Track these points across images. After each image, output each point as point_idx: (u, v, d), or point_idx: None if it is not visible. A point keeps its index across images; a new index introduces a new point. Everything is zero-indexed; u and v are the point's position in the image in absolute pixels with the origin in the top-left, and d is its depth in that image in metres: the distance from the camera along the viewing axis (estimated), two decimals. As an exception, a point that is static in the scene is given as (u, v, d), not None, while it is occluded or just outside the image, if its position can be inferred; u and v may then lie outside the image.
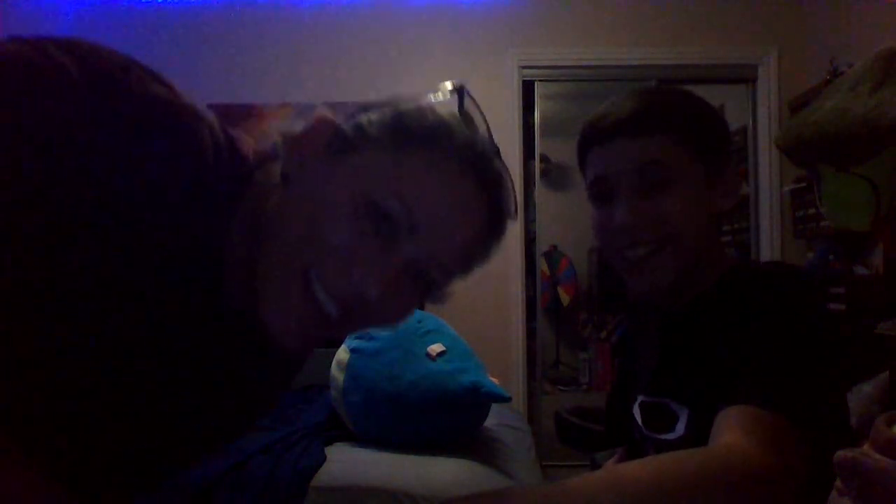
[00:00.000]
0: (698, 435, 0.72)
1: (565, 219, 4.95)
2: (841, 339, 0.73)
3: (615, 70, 3.52)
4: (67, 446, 0.56)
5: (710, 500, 0.52)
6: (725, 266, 0.83)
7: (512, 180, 0.65)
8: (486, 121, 0.65)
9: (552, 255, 5.05)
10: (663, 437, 0.80)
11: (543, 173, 4.40)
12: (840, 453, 0.52)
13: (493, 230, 0.64)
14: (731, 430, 0.60)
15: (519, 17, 3.46)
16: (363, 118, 0.61)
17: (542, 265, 4.64)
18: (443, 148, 0.59)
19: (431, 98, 0.65)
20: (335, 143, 0.60)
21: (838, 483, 0.54)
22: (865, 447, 0.53)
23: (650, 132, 0.77)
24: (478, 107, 0.66)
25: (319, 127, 0.61)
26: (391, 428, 1.79)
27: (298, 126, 0.62)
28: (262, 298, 0.57)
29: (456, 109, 0.65)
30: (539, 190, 3.93)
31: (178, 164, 0.55)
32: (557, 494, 0.49)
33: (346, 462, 1.70)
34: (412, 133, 0.59)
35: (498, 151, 0.64)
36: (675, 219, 0.77)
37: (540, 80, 3.56)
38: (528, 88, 3.52)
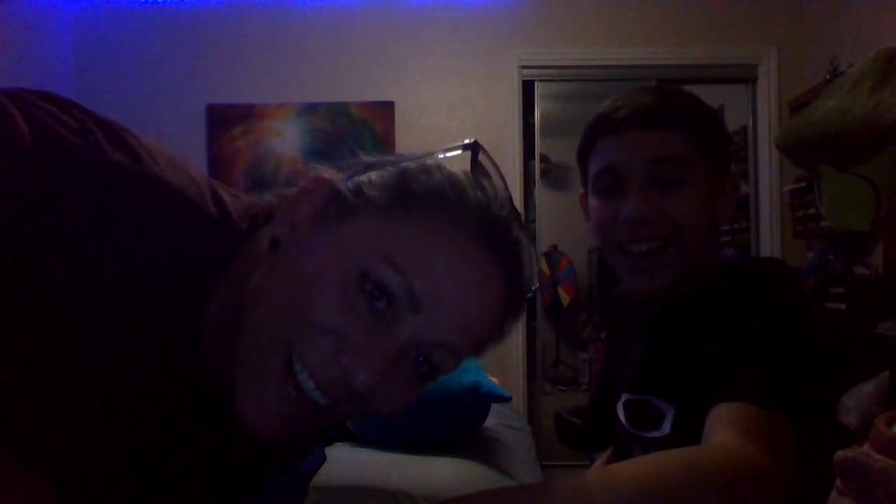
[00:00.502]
0: (685, 433, 0.72)
1: (565, 219, 4.94)
2: (818, 334, 0.73)
3: (615, 70, 3.52)
4: (52, 462, 0.52)
5: (704, 498, 0.51)
6: (715, 266, 0.83)
7: (534, 248, 0.57)
8: (503, 179, 0.58)
9: (552, 255, 5.05)
10: (650, 435, 0.80)
11: (543, 173, 4.40)
12: (840, 453, 0.52)
13: (509, 307, 0.56)
14: (726, 428, 0.59)
15: (519, 17, 3.46)
16: (364, 178, 0.54)
17: (542, 265, 4.64)
18: (450, 211, 0.51)
19: (441, 155, 0.57)
20: (332, 206, 0.53)
21: (838, 483, 0.54)
22: (865, 447, 0.53)
23: (668, 127, 0.77)
24: (494, 163, 0.58)
25: (317, 187, 0.55)
26: (391, 428, 1.79)
27: (295, 188, 0.56)
28: (238, 384, 0.50)
29: (468, 167, 0.56)
30: (539, 190, 3.93)
31: (136, 236, 0.49)
32: (552, 494, 0.47)
33: (346, 462, 1.70)
34: (415, 194, 0.52)
35: (518, 215, 0.56)
36: (685, 218, 0.77)
37: (540, 80, 3.57)
38: (528, 88, 3.52)
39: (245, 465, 0.66)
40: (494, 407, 1.96)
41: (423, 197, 0.52)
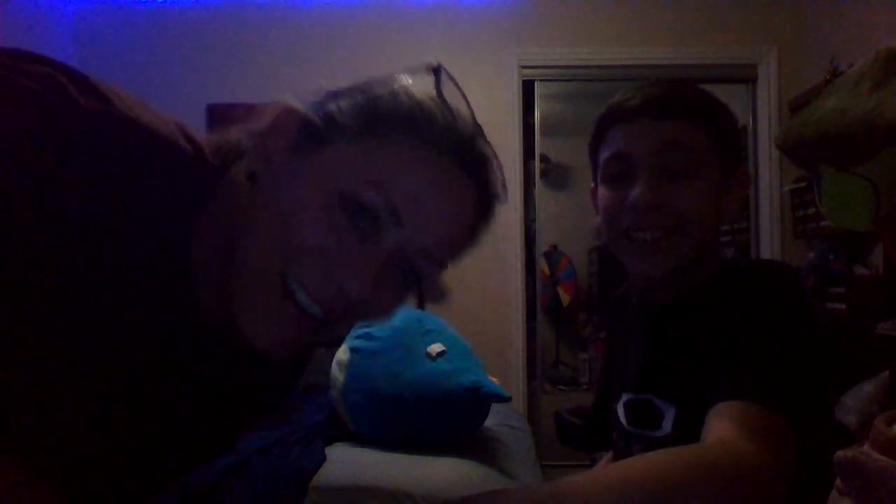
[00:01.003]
0: (685, 433, 0.72)
1: (565, 219, 4.95)
2: (819, 334, 0.73)
3: (615, 70, 3.52)
4: (52, 461, 0.54)
5: (704, 496, 0.52)
6: (715, 264, 0.83)
7: (499, 161, 0.62)
8: (466, 100, 0.62)
9: (552, 255, 5.05)
10: (651, 434, 0.80)
11: (543, 173, 4.40)
12: (840, 453, 0.52)
13: (481, 214, 0.63)
14: (725, 426, 0.60)
15: (519, 17, 3.46)
16: (332, 106, 0.57)
17: (542, 265, 4.64)
18: (421, 132, 0.56)
19: (406, 80, 0.62)
20: (303, 135, 0.56)
21: (838, 483, 0.54)
22: (865, 447, 0.53)
23: (679, 117, 0.78)
24: (457, 86, 0.63)
25: (285, 119, 0.58)
26: (391, 428, 1.79)
27: (264, 120, 0.59)
28: (238, 309, 0.54)
29: (433, 90, 0.62)
30: (539, 190, 3.93)
31: (114, 179, 0.51)
32: (553, 495, 0.48)
33: (346, 462, 1.70)
34: (387, 119, 0.56)
35: (481, 131, 0.61)
36: (691, 208, 0.77)
37: (540, 80, 3.57)
38: (528, 88, 3.52)
39: (254, 388, 0.70)
40: (494, 407, 1.96)
41: (394, 120, 0.56)
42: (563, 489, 0.49)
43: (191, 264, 0.56)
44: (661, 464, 0.53)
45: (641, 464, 0.54)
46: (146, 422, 0.59)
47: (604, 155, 0.83)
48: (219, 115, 3.42)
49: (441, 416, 1.75)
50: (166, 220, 0.54)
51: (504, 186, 0.63)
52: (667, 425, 0.78)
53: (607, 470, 0.53)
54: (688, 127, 0.78)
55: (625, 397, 0.86)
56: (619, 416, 0.87)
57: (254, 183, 0.57)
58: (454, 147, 0.57)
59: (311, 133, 0.56)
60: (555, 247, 5.07)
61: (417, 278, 0.60)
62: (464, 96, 0.63)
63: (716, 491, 0.52)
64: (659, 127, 0.77)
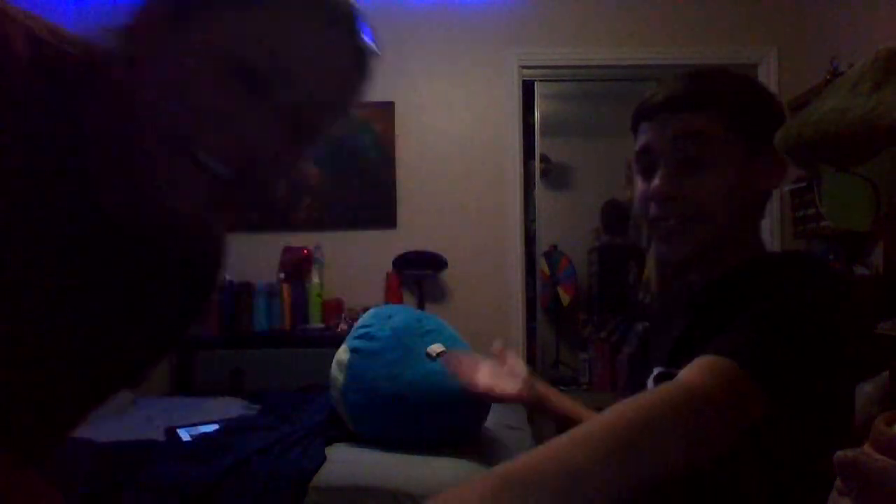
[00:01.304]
0: None
1: (565, 219, 4.94)
2: (840, 328, 0.74)
3: (615, 70, 3.52)
4: None
5: (657, 426, 0.58)
6: (754, 251, 0.86)
7: (366, 17, 0.67)
8: None
9: (552, 255, 5.04)
10: None
11: (543, 173, 4.40)
12: (840, 453, 0.52)
13: (360, 67, 0.67)
14: (693, 371, 0.66)
15: (519, 17, 3.46)
16: None
17: (542, 265, 4.63)
18: None
19: None
20: (180, 8, 0.58)
21: (838, 483, 0.54)
22: (865, 447, 0.53)
23: (691, 108, 0.82)
24: None
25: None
26: (391, 428, 1.79)
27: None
28: (151, 186, 0.57)
29: None
30: (539, 190, 3.93)
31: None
32: (527, 466, 0.52)
33: (346, 462, 1.70)
34: None
35: None
36: (706, 199, 0.81)
37: (540, 80, 3.57)
38: (528, 88, 3.52)
39: (177, 287, 0.73)
40: (494, 407, 1.96)
41: None
42: (537, 459, 0.53)
43: (89, 164, 0.59)
44: (620, 405, 0.60)
45: (608, 414, 0.60)
46: (71, 336, 0.61)
47: (635, 149, 0.89)
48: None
49: (441, 416, 1.75)
50: (55, 127, 0.57)
51: (377, 40, 0.69)
52: None
53: (573, 430, 0.58)
54: (701, 115, 0.81)
55: (656, 370, 0.90)
56: (648, 389, 0.91)
57: (135, 66, 0.59)
58: (328, 7, 0.61)
59: (186, 5, 0.58)
60: (555, 247, 5.06)
61: (315, 131, 0.65)
62: None
63: (668, 420, 0.58)
64: (676, 119, 0.82)
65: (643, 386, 0.94)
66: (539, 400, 1.04)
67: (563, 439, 0.55)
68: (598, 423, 0.57)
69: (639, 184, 0.88)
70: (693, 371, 0.66)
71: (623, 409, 0.59)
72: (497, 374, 1.07)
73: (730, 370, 0.65)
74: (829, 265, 0.86)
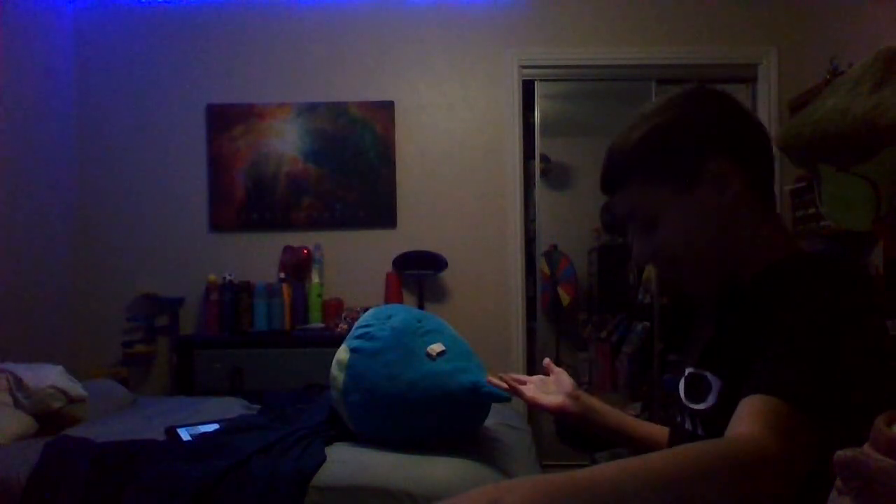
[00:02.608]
0: (726, 405, 0.76)
1: (565, 219, 4.94)
2: (873, 334, 0.72)
3: (615, 70, 3.52)
4: None
5: (715, 482, 0.57)
6: (785, 250, 0.85)
7: None
8: None
9: (552, 255, 5.04)
10: (696, 406, 0.85)
11: (543, 173, 4.40)
12: (840, 453, 0.52)
13: None
14: (750, 419, 0.64)
15: (519, 17, 3.46)
16: None
17: (542, 265, 4.63)
18: None
19: None
20: None
21: (838, 483, 0.54)
22: (865, 447, 0.53)
23: (617, 190, 0.89)
24: None
25: None
26: (391, 428, 1.79)
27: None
28: None
29: None
30: (539, 190, 3.93)
31: None
32: (586, 478, 0.56)
33: (346, 462, 1.70)
34: None
35: None
36: (668, 246, 0.86)
37: (540, 80, 3.57)
38: (528, 88, 3.52)
39: None
40: (494, 407, 1.96)
41: None
42: (595, 474, 0.56)
43: None
44: (679, 454, 0.59)
45: (668, 454, 0.60)
46: None
47: None
48: (218, 115, 3.42)
49: (441, 416, 1.75)
50: None
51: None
52: (711, 398, 0.82)
53: (632, 460, 0.59)
54: (628, 194, 0.87)
55: (687, 371, 0.91)
56: (679, 390, 0.92)
57: None
58: None
59: None
60: (555, 247, 5.06)
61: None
62: None
63: (724, 477, 0.57)
64: (614, 202, 0.90)
65: (676, 385, 0.95)
66: (585, 412, 1.07)
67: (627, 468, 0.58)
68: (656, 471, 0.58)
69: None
70: (747, 421, 0.64)
71: (681, 461, 0.59)
72: (543, 386, 1.13)
73: (786, 414, 0.64)
74: (852, 264, 0.85)
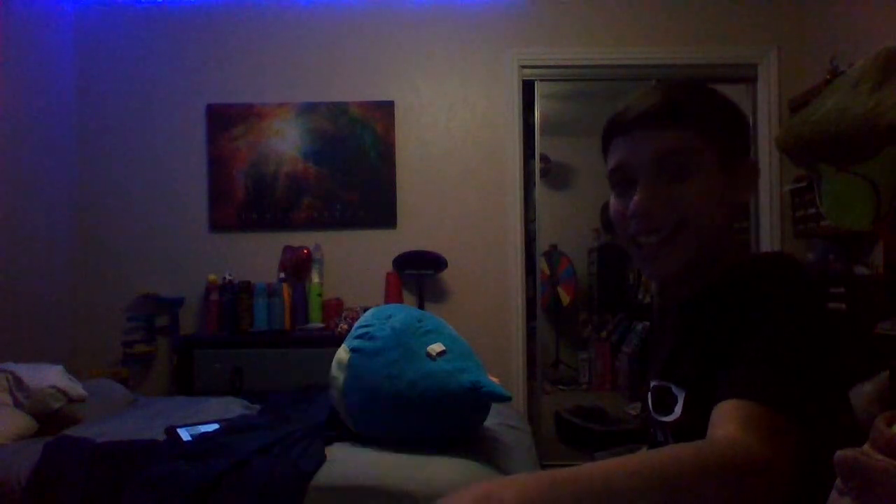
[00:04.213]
0: (692, 417, 0.77)
1: (565, 219, 4.95)
2: (836, 334, 0.74)
3: (615, 70, 3.52)
4: None
5: (706, 486, 0.56)
6: (735, 257, 0.86)
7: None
8: None
9: (552, 255, 5.05)
10: (664, 418, 0.84)
11: (543, 173, 4.40)
12: (840, 453, 0.52)
13: None
14: (728, 423, 0.63)
15: (519, 17, 3.46)
16: None
17: (542, 265, 4.64)
18: None
19: None
20: None
21: (838, 483, 0.54)
22: (865, 447, 0.53)
23: (668, 125, 0.81)
24: None
25: None
26: (391, 428, 1.79)
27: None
28: None
29: None
30: (539, 190, 3.93)
31: None
32: (576, 473, 0.55)
33: (346, 462, 1.70)
34: None
35: None
36: (690, 207, 0.80)
37: (540, 80, 3.56)
38: (528, 88, 3.52)
39: None
40: (494, 407, 1.96)
41: None
42: (585, 471, 0.56)
43: None
44: (672, 455, 0.58)
45: (656, 454, 0.59)
46: None
47: (609, 166, 0.87)
48: (218, 115, 3.42)
49: (441, 416, 1.75)
50: None
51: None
52: (678, 409, 0.82)
53: (626, 458, 0.58)
54: (679, 132, 0.81)
55: (652, 384, 0.90)
56: (647, 403, 0.92)
57: None
58: None
59: None
60: (555, 247, 5.07)
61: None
62: None
63: (719, 482, 0.56)
64: (652, 137, 0.81)
65: (645, 399, 0.94)
66: None
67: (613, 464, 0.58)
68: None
69: (614, 202, 0.87)
70: (725, 424, 0.63)
71: (663, 470, 0.57)
72: None
73: (764, 417, 0.63)
74: (794, 262, 0.85)
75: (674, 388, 0.83)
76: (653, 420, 0.89)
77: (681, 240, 0.81)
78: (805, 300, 0.74)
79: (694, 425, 0.71)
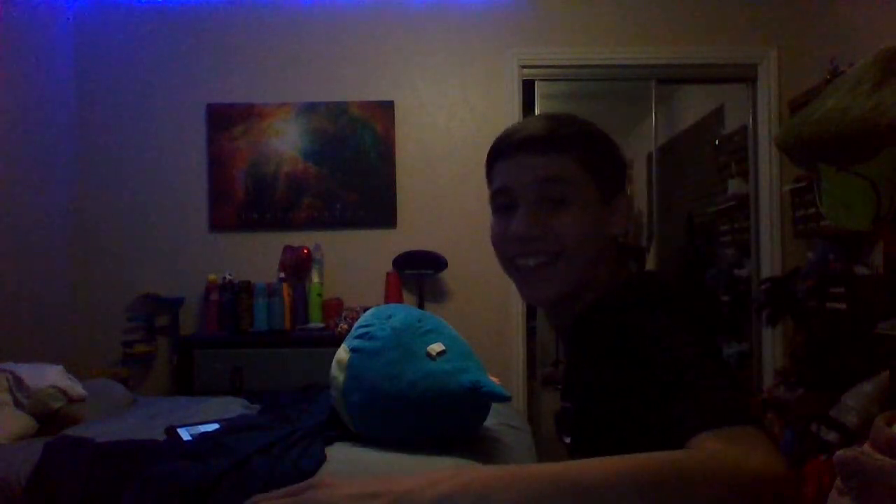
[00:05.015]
0: (582, 440, 0.79)
1: (565, 219, 4.94)
2: (714, 340, 0.75)
3: (615, 70, 3.52)
4: None
5: (716, 492, 0.52)
6: (614, 280, 0.86)
7: None
8: None
9: (552, 254, 5.04)
10: (566, 440, 0.85)
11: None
12: (840, 453, 0.52)
13: None
14: (713, 446, 0.58)
15: (519, 17, 3.46)
16: None
17: (542, 265, 4.64)
18: None
19: None
20: None
21: (838, 483, 0.54)
22: (865, 447, 0.53)
23: (555, 151, 0.83)
24: None
25: None
26: (391, 428, 1.79)
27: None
28: None
29: None
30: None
31: None
32: (568, 468, 0.51)
33: (346, 462, 1.70)
34: None
35: None
36: (570, 235, 0.82)
37: (540, 80, 3.56)
38: (528, 88, 3.52)
39: None
40: (494, 407, 1.96)
41: None
42: (576, 466, 0.52)
43: None
44: (671, 458, 0.54)
45: (656, 455, 0.55)
46: None
47: (492, 188, 0.89)
48: (218, 115, 3.42)
49: (441, 416, 1.75)
50: None
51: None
52: (572, 432, 0.83)
53: (621, 457, 0.53)
54: (563, 159, 0.83)
55: (559, 405, 0.91)
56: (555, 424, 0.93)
57: None
58: None
59: None
60: (555, 247, 5.06)
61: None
62: None
63: (727, 491, 0.52)
64: (537, 162, 0.83)
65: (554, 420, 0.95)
66: None
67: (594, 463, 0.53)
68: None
69: (494, 223, 0.89)
70: (713, 445, 0.58)
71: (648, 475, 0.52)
72: None
73: (740, 432, 0.58)
74: (660, 280, 0.86)
75: (570, 410, 0.84)
76: (561, 441, 0.89)
77: (559, 267, 0.83)
78: (683, 318, 0.73)
79: (579, 448, 0.72)
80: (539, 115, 0.87)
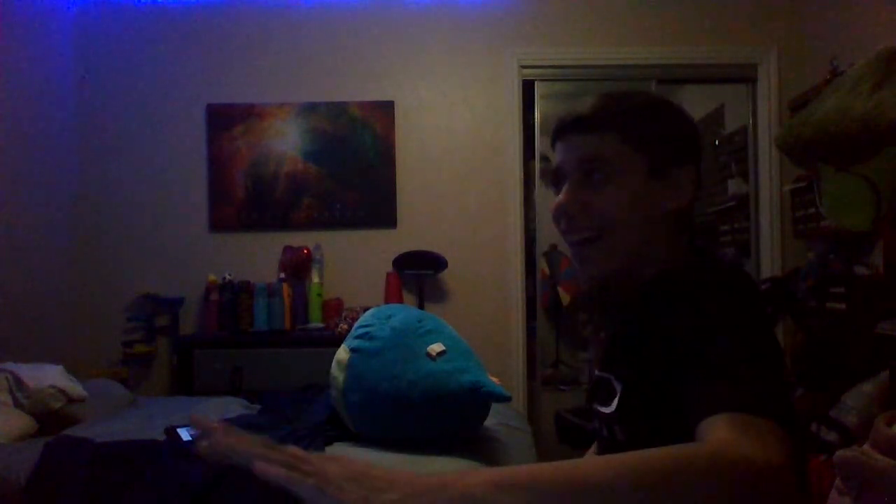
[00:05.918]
0: (626, 409, 0.80)
1: (565, 219, 4.94)
2: (774, 336, 0.74)
3: (615, 70, 3.52)
4: None
5: (717, 489, 0.53)
6: (675, 257, 0.86)
7: None
8: None
9: (552, 254, 5.03)
10: (603, 409, 0.85)
11: (543, 173, 4.40)
12: (840, 453, 0.52)
13: None
14: (720, 434, 0.59)
15: (519, 17, 3.46)
16: None
17: (542, 265, 4.63)
18: None
19: None
20: None
21: (838, 483, 0.54)
22: (865, 447, 0.53)
23: (598, 129, 0.85)
24: None
25: None
26: (391, 428, 1.79)
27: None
28: None
29: None
30: (539, 190, 3.92)
31: None
32: (572, 468, 0.52)
33: (346, 462, 1.70)
34: None
35: None
36: (610, 213, 0.84)
37: (540, 80, 3.56)
38: (528, 88, 3.52)
39: None
40: (494, 407, 1.96)
41: None
42: (579, 465, 0.53)
43: None
44: (673, 454, 0.55)
45: (655, 452, 0.56)
46: None
47: (552, 167, 0.92)
48: (219, 115, 3.42)
49: (441, 416, 1.75)
50: None
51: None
52: (615, 402, 0.82)
53: (623, 455, 0.55)
54: (605, 137, 0.85)
55: (595, 374, 0.91)
56: (590, 394, 0.93)
57: None
58: None
59: None
60: (555, 247, 5.05)
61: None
62: None
63: (729, 487, 0.53)
64: (578, 142, 0.86)
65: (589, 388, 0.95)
66: None
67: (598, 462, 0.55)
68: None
69: (553, 200, 0.92)
70: (720, 433, 0.59)
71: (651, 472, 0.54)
72: None
73: (753, 423, 0.59)
74: (736, 267, 0.86)
75: (614, 381, 0.84)
76: (594, 410, 0.90)
77: (603, 245, 0.85)
78: (743, 304, 0.73)
79: (626, 419, 0.76)
80: (596, 94, 0.91)
